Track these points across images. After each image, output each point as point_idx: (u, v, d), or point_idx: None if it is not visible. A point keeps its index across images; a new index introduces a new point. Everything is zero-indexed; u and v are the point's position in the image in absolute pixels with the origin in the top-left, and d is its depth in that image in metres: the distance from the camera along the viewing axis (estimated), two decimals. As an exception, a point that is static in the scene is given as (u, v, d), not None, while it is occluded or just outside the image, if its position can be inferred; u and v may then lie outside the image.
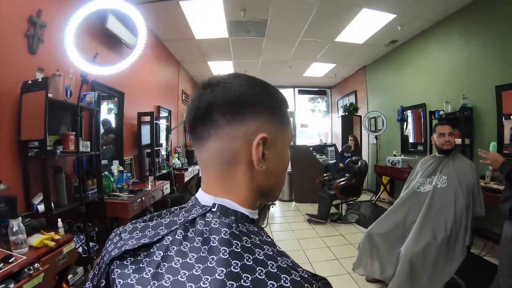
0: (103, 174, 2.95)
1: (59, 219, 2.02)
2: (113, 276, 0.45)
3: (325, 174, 5.27)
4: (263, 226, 3.58)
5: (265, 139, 0.47)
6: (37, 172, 2.22)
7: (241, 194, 0.49)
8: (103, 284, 0.49)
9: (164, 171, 4.63)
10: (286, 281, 0.38)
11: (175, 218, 0.47)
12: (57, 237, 1.85)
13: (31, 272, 1.49)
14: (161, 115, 5.16)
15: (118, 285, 0.44)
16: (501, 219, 1.98)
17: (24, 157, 2.16)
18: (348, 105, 7.47)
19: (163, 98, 5.50)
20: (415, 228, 2.21)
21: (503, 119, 3.40)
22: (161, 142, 4.79)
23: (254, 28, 4.80)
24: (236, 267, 0.39)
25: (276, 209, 5.61)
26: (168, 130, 5.40)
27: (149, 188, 3.52)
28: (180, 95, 6.63)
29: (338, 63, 6.88)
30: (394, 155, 5.35)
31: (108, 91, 3.50)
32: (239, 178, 0.49)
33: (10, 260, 1.48)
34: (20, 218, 1.69)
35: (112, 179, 3.12)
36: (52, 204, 2.19)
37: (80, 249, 2.36)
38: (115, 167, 3.39)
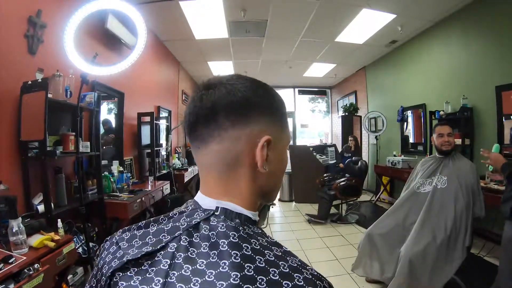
0: (103, 174, 2.95)
1: (59, 220, 2.02)
2: None
3: (325, 175, 5.27)
4: (263, 226, 3.59)
5: (269, 141, 0.48)
6: (37, 173, 2.22)
7: (243, 196, 0.49)
8: None
9: (164, 171, 4.63)
10: (300, 280, 0.39)
11: (177, 224, 0.46)
12: (57, 237, 1.85)
13: (31, 272, 1.49)
14: (161, 115, 5.16)
15: None
16: (501, 220, 1.98)
17: (24, 157, 2.16)
18: (348, 105, 7.47)
19: (163, 98, 5.50)
20: (415, 228, 2.21)
21: (503, 119, 3.40)
22: (161, 142, 4.78)
23: (254, 28, 4.80)
24: (250, 270, 0.39)
25: (276, 210, 5.61)
26: (168, 130, 5.40)
27: (149, 189, 3.52)
28: (180, 95, 6.63)
29: (338, 63, 6.88)
30: (394, 156, 5.35)
31: (108, 91, 3.50)
32: (242, 180, 0.48)
33: (10, 261, 1.48)
34: (20, 219, 1.69)
35: (112, 180, 3.11)
36: (52, 204, 2.19)
37: (80, 250, 2.36)
38: (115, 167, 3.39)
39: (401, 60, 5.62)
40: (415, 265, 2.05)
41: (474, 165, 2.27)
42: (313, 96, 9.97)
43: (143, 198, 3.13)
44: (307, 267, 0.42)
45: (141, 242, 0.46)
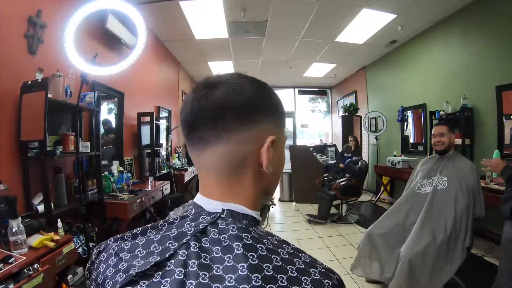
0: (103, 174, 2.95)
1: (59, 220, 2.02)
2: None
3: (325, 175, 5.27)
4: (263, 227, 3.58)
5: (274, 141, 0.48)
6: (37, 173, 2.21)
7: (248, 197, 0.48)
8: None
9: (164, 171, 4.63)
10: (316, 274, 0.40)
11: (183, 229, 0.43)
12: (56, 237, 1.85)
13: (30, 272, 1.49)
14: (161, 115, 5.16)
15: None
16: (501, 220, 1.98)
17: (24, 157, 2.16)
18: (348, 105, 7.47)
19: (163, 98, 5.50)
20: (415, 229, 2.21)
21: (503, 119, 3.40)
22: (161, 142, 4.78)
23: (254, 28, 4.80)
24: (269, 270, 0.38)
25: (276, 210, 5.60)
26: (168, 130, 5.41)
27: (149, 189, 3.52)
28: (180, 95, 6.63)
29: (338, 63, 6.88)
30: (395, 156, 5.35)
31: (108, 91, 3.50)
32: (246, 181, 0.48)
33: (10, 261, 1.48)
34: (19, 219, 1.69)
35: (112, 180, 3.11)
36: (52, 204, 2.19)
37: (80, 250, 2.36)
38: (115, 167, 3.39)
39: (401, 60, 5.62)
40: (415, 265, 2.05)
41: (474, 166, 2.27)
42: (313, 96, 9.97)
43: (143, 198, 3.12)
44: (318, 262, 0.43)
45: (145, 252, 0.43)
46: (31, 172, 2.19)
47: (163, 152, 4.94)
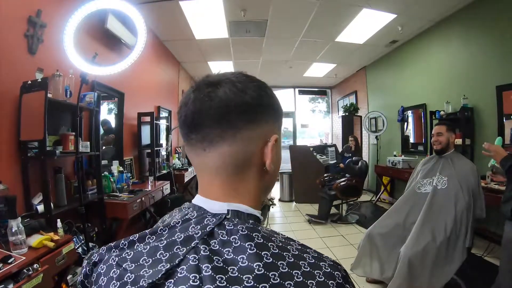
0: (103, 174, 2.95)
1: (59, 220, 2.01)
2: None
3: (325, 175, 5.27)
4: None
5: (277, 140, 0.49)
6: (36, 173, 2.21)
7: (251, 197, 0.48)
8: None
9: (164, 171, 4.63)
10: (326, 267, 0.41)
11: (189, 233, 0.42)
12: (56, 237, 1.85)
13: (30, 272, 1.49)
14: (161, 115, 5.16)
15: None
16: (501, 220, 1.97)
17: (24, 157, 2.16)
18: (348, 105, 7.47)
19: (163, 98, 5.50)
20: (414, 229, 2.20)
21: (504, 119, 3.39)
22: (161, 142, 4.79)
23: (254, 28, 4.79)
24: (284, 267, 0.39)
25: (276, 210, 5.60)
26: (168, 130, 5.41)
27: (149, 189, 3.52)
28: (180, 95, 6.63)
29: (339, 63, 6.88)
30: (395, 156, 5.35)
31: (108, 91, 3.50)
32: (250, 180, 0.48)
33: (9, 261, 1.47)
34: (19, 219, 1.69)
35: (112, 180, 3.11)
36: (52, 204, 2.18)
37: (79, 250, 2.36)
38: (115, 167, 3.39)
39: (402, 60, 5.61)
40: (415, 265, 2.05)
41: (475, 166, 2.26)
42: (313, 96, 9.96)
43: (143, 198, 3.12)
44: (324, 256, 0.44)
45: (151, 260, 0.41)
46: (31, 172, 2.19)
47: (163, 152, 4.94)
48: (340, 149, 6.90)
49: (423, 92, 4.97)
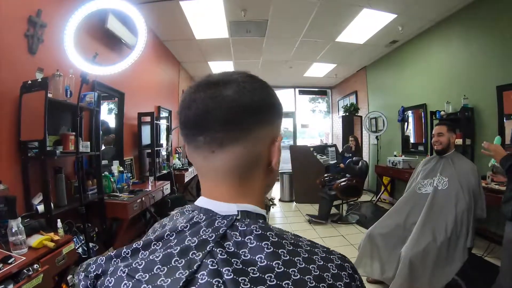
0: (103, 174, 2.95)
1: (59, 220, 2.01)
2: None
3: (325, 175, 5.26)
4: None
5: (281, 139, 0.49)
6: (36, 173, 2.21)
7: (257, 196, 0.49)
8: None
9: (165, 172, 4.62)
10: (336, 260, 0.43)
11: (202, 237, 0.41)
12: (56, 237, 1.85)
13: (30, 273, 1.49)
14: (161, 115, 5.16)
15: None
16: (502, 220, 1.97)
17: (24, 157, 2.16)
18: (348, 105, 7.46)
19: (164, 98, 5.50)
20: (415, 229, 2.20)
21: (504, 120, 3.39)
22: (161, 142, 4.78)
23: (255, 28, 4.79)
24: (301, 262, 0.40)
25: (276, 210, 5.59)
26: (169, 130, 5.40)
27: (149, 189, 3.52)
28: (180, 96, 6.62)
29: (339, 63, 6.88)
30: (395, 156, 5.35)
31: (108, 91, 3.50)
32: (256, 180, 0.48)
33: (9, 261, 1.47)
34: (19, 219, 1.69)
35: (112, 180, 3.11)
36: (52, 204, 2.18)
37: (79, 250, 2.36)
38: (115, 167, 3.39)
39: (402, 60, 5.61)
40: (415, 266, 2.04)
41: (475, 166, 2.26)
42: (314, 96, 9.96)
43: (143, 198, 3.12)
44: (331, 249, 0.45)
45: (166, 268, 0.39)
46: (31, 172, 2.19)
47: (164, 152, 4.94)
48: (340, 149, 6.90)
49: (424, 92, 4.97)
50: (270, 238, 0.41)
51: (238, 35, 5.07)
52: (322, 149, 7.07)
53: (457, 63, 4.17)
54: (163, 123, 5.18)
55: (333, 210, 4.82)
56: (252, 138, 0.45)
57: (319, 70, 7.49)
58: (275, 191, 6.44)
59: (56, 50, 2.53)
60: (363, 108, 7.30)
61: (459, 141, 3.67)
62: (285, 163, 6.46)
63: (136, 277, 0.40)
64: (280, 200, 6.32)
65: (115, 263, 0.43)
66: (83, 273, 0.44)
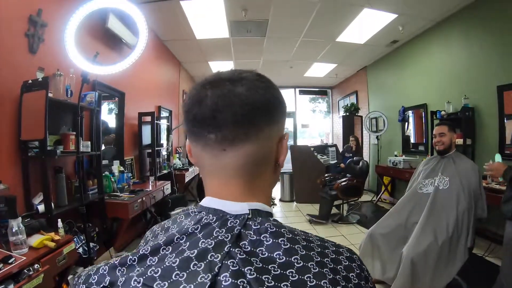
0: (103, 174, 2.95)
1: (59, 220, 2.01)
2: None
3: (326, 175, 5.26)
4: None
5: (288, 137, 0.50)
6: (37, 172, 2.21)
7: (265, 194, 0.49)
8: None
9: (165, 171, 4.62)
10: (346, 252, 0.45)
11: (219, 238, 0.40)
12: (57, 237, 1.85)
13: (30, 273, 1.48)
14: (162, 115, 5.15)
15: None
16: (502, 220, 1.97)
17: (24, 157, 2.16)
18: (349, 105, 7.46)
19: (164, 98, 5.49)
20: (416, 229, 2.19)
21: (505, 120, 3.38)
22: (161, 142, 4.78)
23: (255, 28, 4.79)
24: (316, 256, 0.41)
25: (277, 210, 5.59)
26: (169, 130, 5.40)
27: (150, 189, 3.52)
28: (181, 96, 6.63)
29: (339, 63, 6.87)
30: (396, 156, 5.34)
31: (108, 91, 3.49)
32: (264, 178, 0.48)
33: (10, 261, 1.47)
34: (20, 218, 1.69)
35: (112, 179, 3.11)
36: (52, 204, 2.18)
37: (80, 250, 2.35)
38: (116, 167, 3.38)
39: (402, 60, 5.60)
40: (417, 266, 2.04)
41: (476, 166, 2.25)
42: (314, 96, 9.96)
43: (144, 198, 3.12)
44: (337, 242, 0.46)
45: (186, 273, 0.38)
46: (31, 171, 2.19)
47: (164, 152, 4.94)
48: (340, 149, 6.90)
49: (424, 92, 4.96)
50: (285, 234, 0.42)
51: (239, 35, 5.07)
52: (323, 149, 7.07)
53: (457, 63, 4.17)
54: (163, 123, 5.18)
55: (334, 210, 4.82)
56: (262, 136, 0.45)
57: (319, 70, 7.48)
58: (276, 191, 6.43)
59: (57, 49, 2.53)
60: (364, 108, 7.30)
61: (459, 141, 3.67)
62: (285, 163, 6.43)
63: (155, 286, 0.37)
64: (280, 200, 6.32)
65: (122, 272, 0.40)
66: (84, 285, 0.41)
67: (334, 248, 0.44)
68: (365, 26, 4.69)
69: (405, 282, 2.05)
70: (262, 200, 0.47)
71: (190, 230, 0.42)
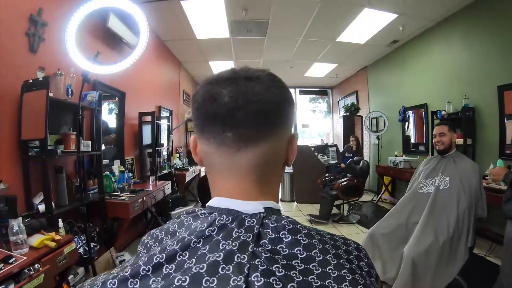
0: (104, 174, 2.94)
1: (60, 219, 2.01)
2: None
3: (326, 174, 5.26)
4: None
5: (297, 136, 0.51)
6: (37, 172, 2.21)
7: (274, 192, 0.49)
8: None
9: (165, 171, 4.62)
10: (352, 244, 0.46)
11: (241, 238, 0.39)
12: (57, 237, 1.84)
13: (31, 272, 1.48)
14: (162, 115, 5.16)
15: None
16: (503, 219, 1.97)
17: (25, 156, 2.15)
18: (349, 105, 7.46)
19: (164, 98, 5.49)
20: (417, 229, 2.19)
21: (505, 119, 3.38)
22: (162, 142, 4.78)
23: (256, 28, 4.79)
24: (331, 249, 0.42)
25: (277, 210, 5.58)
26: (170, 130, 5.40)
27: (150, 188, 3.51)
28: (181, 95, 6.62)
29: (340, 63, 6.87)
30: (396, 156, 5.34)
31: (109, 90, 3.49)
32: (274, 177, 0.49)
33: (10, 261, 1.47)
34: (20, 218, 1.68)
35: (113, 179, 3.11)
36: (53, 204, 2.18)
37: (81, 250, 2.35)
38: (116, 167, 3.38)
39: (403, 60, 5.60)
40: (418, 266, 2.04)
41: (477, 166, 2.25)
42: (314, 96, 9.97)
43: (144, 198, 3.12)
44: (343, 236, 0.48)
45: (216, 278, 0.36)
46: (31, 171, 2.18)
47: (164, 152, 4.94)
48: (341, 149, 6.90)
49: (424, 92, 4.96)
50: (302, 230, 0.42)
51: (239, 35, 5.07)
52: (323, 149, 7.07)
53: (458, 63, 4.17)
54: (164, 123, 5.18)
55: (334, 210, 4.82)
56: (276, 136, 0.45)
57: (319, 70, 7.48)
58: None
59: (57, 49, 2.52)
60: (364, 108, 7.30)
61: (460, 141, 3.66)
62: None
63: None
64: (280, 200, 6.32)
65: (135, 284, 0.37)
66: None
67: (343, 241, 0.45)
68: (366, 26, 4.68)
69: (406, 282, 2.05)
70: (272, 199, 0.47)
71: (207, 233, 0.41)
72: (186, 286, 0.35)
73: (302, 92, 9.64)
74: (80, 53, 2.56)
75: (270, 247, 0.39)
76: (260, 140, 0.44)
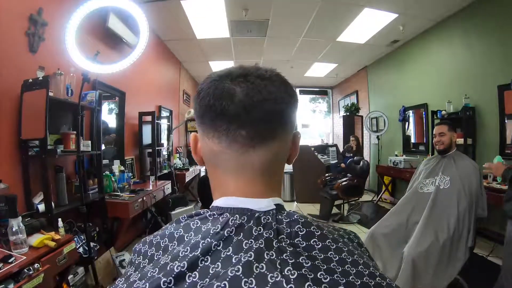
0: (104, 173, 2.94)
1: (60, 219, 2.01)
2: None
3: (326, 174, 5.25)
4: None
5: (300, 135, 0.53)
6: (37, 172, 2.20)
7: (279, 189, 0.51)
8: None
9: (165, 171, 4.62)
10: (351, 232, 0.49)
11: (265, 236, 0.39)
12: (57, 237, 1.84)
13: (31, 272, 1.48)
14: (162, 115, 5.16)
15: None
16: (503, 219, 1.96)
17: (25, 156, 2.15)
18: (349, 105, 7.46)
19: (165, 98, 5.49)
20: (418, 229, 2.19)
21: (506, 119, 3.38)
22: (162, 142, 4.78)
23: (256, 28, 4.79)
24: (340, 238, 0.44)
25: (277, 210, 5.58)
26: (170, 130, 5.40)
27: (150, 188, 3.51)
28: (181, 95, 6.62)
29: (340, 63, 6.87)
30: (396, 155, 5.33)
31: (109, 90, 3.49)
32: (279, 174, 0.50)
33: (10, 260, 1.46)
34: (20, 218, 1.68)
35: (113, 179, 3.10)
36: (53, 203, 2.18)
37: (80, 249, 2.35)
38: (116, 166, 3.38)
39: (403, 60, 5.60)
40: (418, 265, 2.03)
41: (477, 165, 2.25)
42: (314, 96, 9.97)
43: (144, 198, 3.12)
44: (341, 227, 0.51)
45: (254, 279, 0.35)
46: (31, 171, 2.18)
47: (164, 152, 4.94)
48: (341, 149, 6.90)
49: (425, 92, 4.96)
50: (312, 223, 0.43)
51: (239, 35, 5.07)
52: (323, 148, 7.06)
53: (458, 63, 4.17)
54: (164, 123, 5.18)
55: (334, 210, 4.82)
56: (285, 133, 0.47)
57: (320, 70, 7.48)
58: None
59: (57, 48, 2.52)
60: (364, 108, 7.29)
61: (460, 141, 3.66)
62: (285, 163, 6.44)
63: None
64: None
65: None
66: None
67: (343, 231, 0.48)
68: (366, 26, 4.68)
69: (406, 282, 2.04)
70: (277, 195, 0.48)
71: (226, 234, 0.40)
72: None
73: (302, 92, 9.63)
74: (80, 53, 2.56)
75: (289, 241, 0.40)
76: (271, 139, 0.44)
